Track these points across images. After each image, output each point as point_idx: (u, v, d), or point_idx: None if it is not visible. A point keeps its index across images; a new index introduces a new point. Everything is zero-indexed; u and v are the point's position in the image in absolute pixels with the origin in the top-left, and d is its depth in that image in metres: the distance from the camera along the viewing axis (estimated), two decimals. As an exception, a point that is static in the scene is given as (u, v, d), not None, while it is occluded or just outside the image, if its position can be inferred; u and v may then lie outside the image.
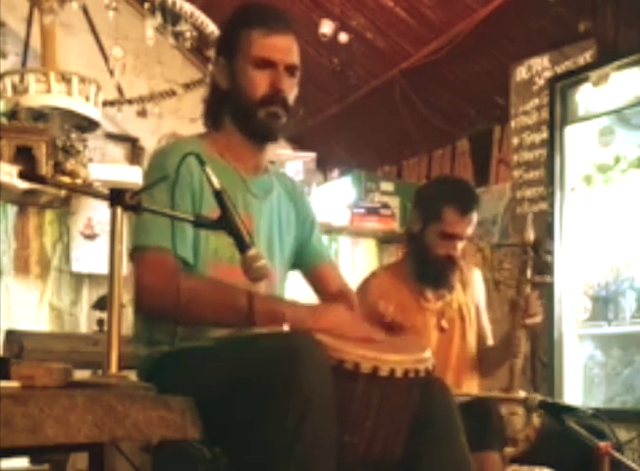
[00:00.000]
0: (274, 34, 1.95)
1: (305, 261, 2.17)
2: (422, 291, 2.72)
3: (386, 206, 4.38)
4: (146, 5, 4.41)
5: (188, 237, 1.86)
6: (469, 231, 2.68)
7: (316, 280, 2.18)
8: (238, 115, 2.00)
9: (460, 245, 2.68)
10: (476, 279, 2.90)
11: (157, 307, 1.80)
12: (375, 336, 1.80)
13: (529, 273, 2.59)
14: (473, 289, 2.86)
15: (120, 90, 5.20)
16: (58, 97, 4.03)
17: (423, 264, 2.69)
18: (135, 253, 1.86)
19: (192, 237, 1.88)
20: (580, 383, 4.05)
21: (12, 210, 3.46)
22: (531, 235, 2.59)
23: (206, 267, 1.89)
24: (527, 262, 2.58)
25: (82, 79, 4.14)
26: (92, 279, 3.57)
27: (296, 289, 2.29)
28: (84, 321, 3.53)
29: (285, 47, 1.97)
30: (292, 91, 1.99)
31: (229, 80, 1.99)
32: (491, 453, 2.29)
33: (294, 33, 1.99)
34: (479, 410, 2.33)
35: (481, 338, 2.83)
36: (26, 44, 5.06)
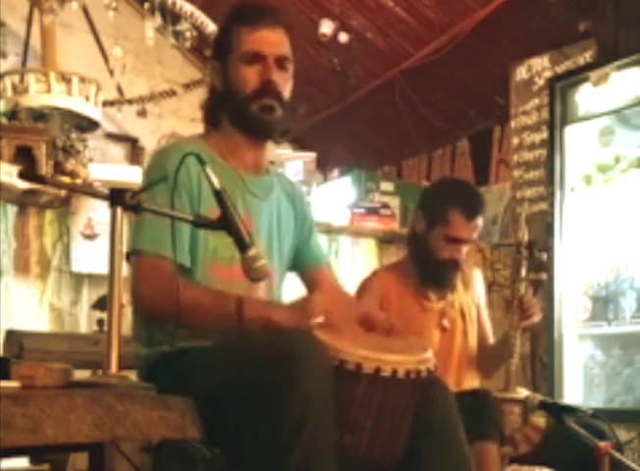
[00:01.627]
0: (261, 28, 1.96)
1: (302, 263, 2.17)
2: (424, 291, 2.71)
3: (386, 206, 4.38)
4: (146, 5, 4.42)
5: (186, 241, 1.87)
6: (475, 235, 2.67)
7: (312, 283, 2.18)
8: (233, 113, 2.00)
9: (465, 249, 2.67)
10: (477, 279, 2.90)
11: (153, 313, 1.82)
12: (364, 322, 1.81)
13: (523, 272, 2.59)
14: (474, 289, 2.86)
15: (120, 90, 5.20)
16: (58, 97, 4.03)
17: (426, 265, 2.69)
18: (133, 257, 1.86)
19: (191, 238, 1.88)
20: (580, 383, 4.05)
21: (12, 210, 3.45)
22: (525, 235, 2.59)
23: (205, 267, 1.89)
24: (521, 262, 2.59)
25: (82, 79, 4.14)
26: (92, 279, 3.56)
27: (296, 290, 2.28)
28: (84, 321, 3.53)
29: (273, 40, 1.97)
30: (285, 84, 1.98)
31: (223, 81, 2.00)
32: (487, 443, 2.29)
33: (284, 27, 1.99)
34: (475, 401, 2.33)
35: (482, 338, 2.83)
36: (26, 44, 5.06)
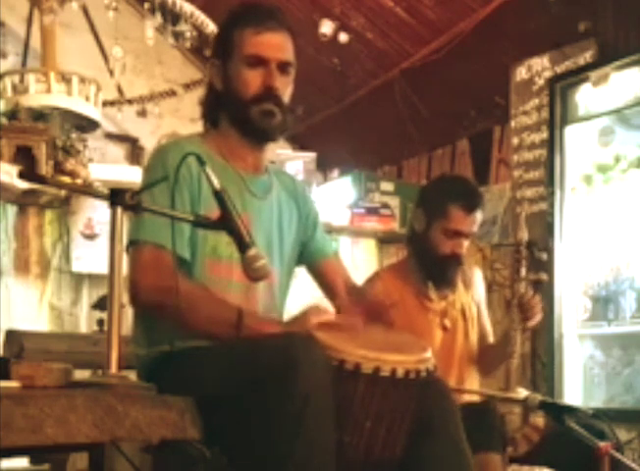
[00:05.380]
0: (265, 32, 1.95)
1: (309, 257, 2.17)
2: (425, 291, 2.71)
3: (386, 206, 4.38)
4: (146, 5, 4.42)
5: (186, 235, 1.86)
6: (474, 228, 2.68)
7: (321, 275, 2.18)
8: (232, 115, 2.00)
9: (466, 243, 2.67)
10: (477, 278, 2.90)
11: (152, 303, 1.80)
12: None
13: (523, 272, 2.59)
14: (474, 289, 2.86)
15: (120, 90, 5.20)
16: (58, 97, 4.03)
17: (428, 263, 2.68)
18: (132, 247, 1.85)
19: (190, 235, 1.88)
20: (580, 383, 4.05)
21: (12, 210, 3.45)
22: (524, 235, 2.59)
23: (204, 265, 1.89)
24: (521, 261, 2.59)
25: (82, 79, 4.14)
26: (92, 279, 3.56)
27: (299, 290, 2.29)
28: (84, 321, 3.53)
29: (277, 44, 1.96)
30: (285, 89, 1.98)
31: (223, 81, 2.00)
32: (492, 454, 2.28)
33: (288, 30, 1.98)
34: (480, 412, 2.33)
35: (482, 337, 2.83)
36: (27, 44, 5.06)
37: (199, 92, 4.83)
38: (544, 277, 2.73)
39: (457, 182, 2.81)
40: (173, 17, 4.47)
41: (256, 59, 1.95)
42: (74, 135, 3.85)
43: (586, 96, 4.13)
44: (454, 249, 2.64)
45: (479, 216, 2.67)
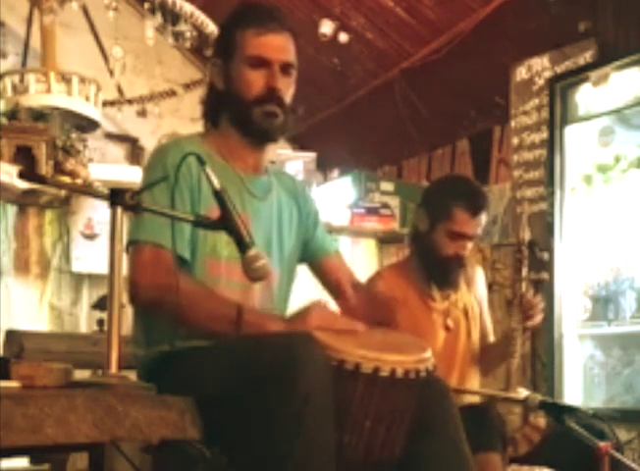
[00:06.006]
0: (268, 33, 1.95)
1: (311, 255, 2.17)
2: (428, 291, 2.71)
3: (386, 206, 4.38)
4: (146, 5, 4.42)
5: (186, 234, 1.86)
6: (479, 230, 2.67)
7: (323, 273, 2.19)
8: (234, 115, 2.00)
9: (469, 245, 2.67)
10: (479, 277, 2.90)
11: (152, 302, 1.80)
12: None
13: (524, 271, 2.59)
14: (476, 287, 2.86)
15: (120, 90, 5.20)
16: (58, 97, 4.03)
17: (430, 263, 2.68)
18: (132, 247, 1.85)
19: (190, 234, 1.88)
20: (580, 383, 4.05)
21: (12, 210, 3.45)
22: (526, 234, 2.59)
23: (203, 264, 1.89)
24: (522, 261, 2.58)
25: (82, 79, 4.15)
26: (92, 279, 3.56)
27: (301, 289, 2.29)
28: (84, 321, 3.53)
29: (279, 45, 1.96)
30: (287, 90, 1.98)
31: (225, 81, 2.00)
32: (492, 454, 2.28)
33: (290, 31, 1.99)
34: (480, 412, 2.33)
35: (483, 335, 2.83)
36: (26, 44, 5.06)
37: (199, 92, 4.84)
38: (545, 276, 2.73)
39: (462, 183, 2.79)
40: (173, 17, 4.48)
41: (259, 60, 1.95)
42: (74, 135, 3.85)
43: (586, 96, 4.13)
44: (458, 251, 2.64)
45: (483, 218, 2.66)
